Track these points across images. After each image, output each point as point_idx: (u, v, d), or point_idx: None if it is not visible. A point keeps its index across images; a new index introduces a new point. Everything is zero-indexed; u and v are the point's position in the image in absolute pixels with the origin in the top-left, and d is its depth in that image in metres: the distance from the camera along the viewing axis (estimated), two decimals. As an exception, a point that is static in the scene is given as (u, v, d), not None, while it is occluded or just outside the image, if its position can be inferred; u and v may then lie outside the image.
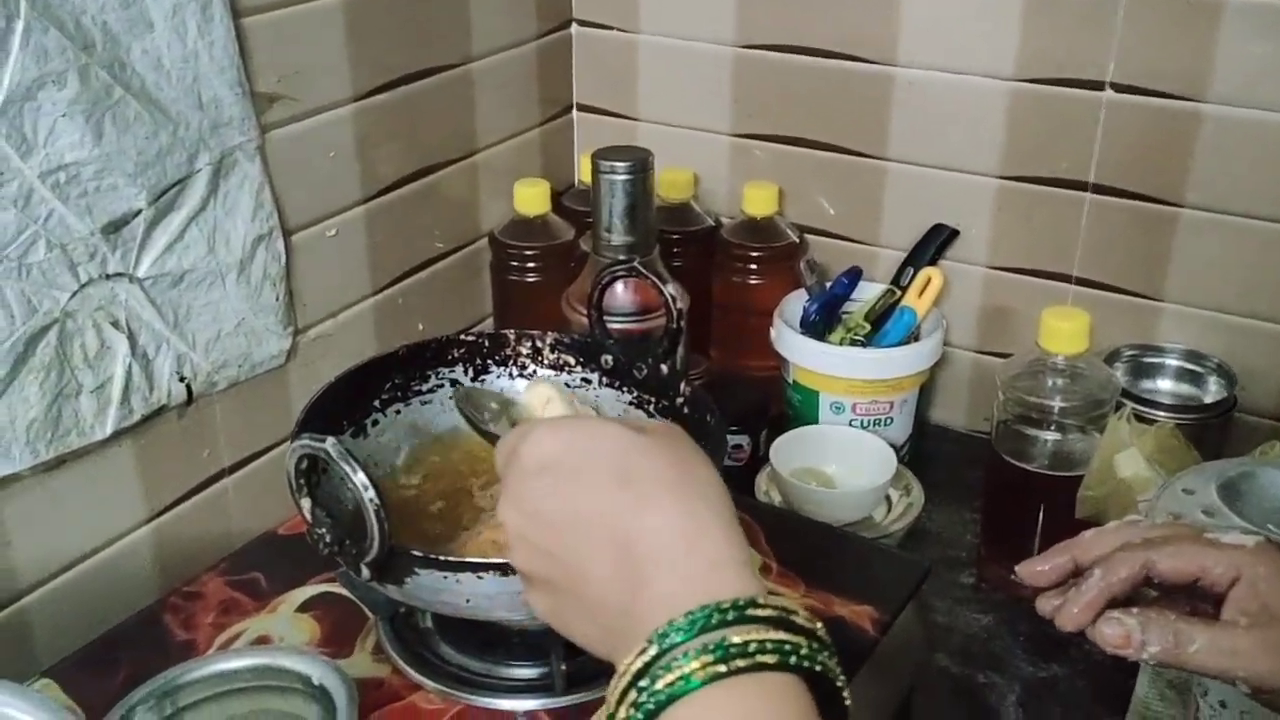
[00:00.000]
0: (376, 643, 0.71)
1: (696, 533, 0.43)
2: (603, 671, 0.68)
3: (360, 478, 0.57)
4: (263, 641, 0.71)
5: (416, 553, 0.60)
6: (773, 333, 1.02)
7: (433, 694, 0.68)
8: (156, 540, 0.85)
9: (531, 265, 1.09)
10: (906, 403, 0.99)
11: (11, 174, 0.70)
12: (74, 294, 0.75)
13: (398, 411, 0.79)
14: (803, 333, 1.01)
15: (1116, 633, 0.51)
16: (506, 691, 0.68)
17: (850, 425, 0.98)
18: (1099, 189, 0.98)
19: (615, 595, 0.44)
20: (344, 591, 0.75)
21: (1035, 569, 0.55)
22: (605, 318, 0.84)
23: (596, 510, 0.45)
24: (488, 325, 1.15)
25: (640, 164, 0.90)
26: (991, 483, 0.90)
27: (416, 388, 0.80)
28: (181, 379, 0.84)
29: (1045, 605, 0.55)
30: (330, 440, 0.58)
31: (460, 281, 1.11)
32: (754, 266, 1.08)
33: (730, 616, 0.40)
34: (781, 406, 1.03)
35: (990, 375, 1.05)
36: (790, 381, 1.02)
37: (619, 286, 0.91)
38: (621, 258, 0.89)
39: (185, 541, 0.87)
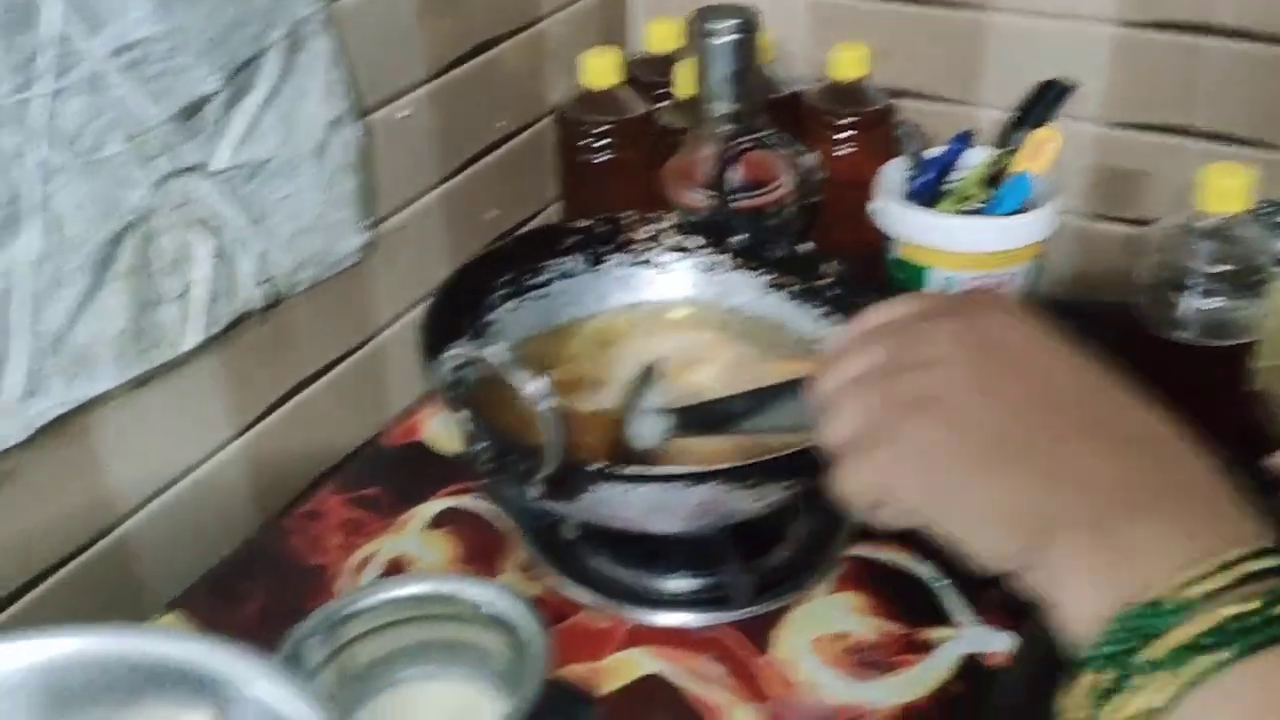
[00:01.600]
0: (525, 559, 0.66)
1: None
2: (780, 581, 0.64)
3: (535, 387, 0.51)
4: (399, 563, 0.66)
5: (596, 467, 0.54)
6: (872, 206, 0.95)
7: (597, 612, 0.62)
8: (248, 456, 0.79)
9: (602, 143, 1.01)
10: (1022, 276, 0.93)
11: (79, 55, 0.61)
12: (151, 191, 0.67)
13: (512, 309, 0.72)
14: (908, 203, 0.94)
15: None
16: (678, 606, 0.63)
17: (964, 301, 0.92)
18: (1230, 33, 0.90)
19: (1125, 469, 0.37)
20: (472, 505, 0.69)
21: None
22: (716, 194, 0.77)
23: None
24: (555, 210, 1.07)
25: (746, 23, 0.81)
26: (1138, 358, 0.84)
27: (530, 281, 0.73)
28: (263, 281, 0.77)
29: None
30: (499, 346, 0.51)
31: (527, 164, 1.03)
32: (843, 135, 1.01)
33: None
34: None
35: (1101, 241, 0.99)
36: (894, 258, 0.95)
37: (724, 161, 0.83)
38: (732, 127, 0.81)
39: (276, 455, 0.81)
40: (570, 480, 0.54)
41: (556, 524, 0.67)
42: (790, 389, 0.49)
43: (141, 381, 0.70)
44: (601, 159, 1.01)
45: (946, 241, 0.91)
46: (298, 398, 0.83)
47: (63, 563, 0.68)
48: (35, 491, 0.65)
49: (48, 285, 0.62)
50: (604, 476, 0.54)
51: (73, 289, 0.64)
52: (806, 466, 0.57)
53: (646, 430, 0.57)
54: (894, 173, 0.97)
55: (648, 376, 0.59)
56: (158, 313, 0.69)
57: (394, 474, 0.73)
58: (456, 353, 0.52)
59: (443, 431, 0.78)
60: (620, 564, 0.65)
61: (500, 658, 0.55)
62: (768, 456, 0.55)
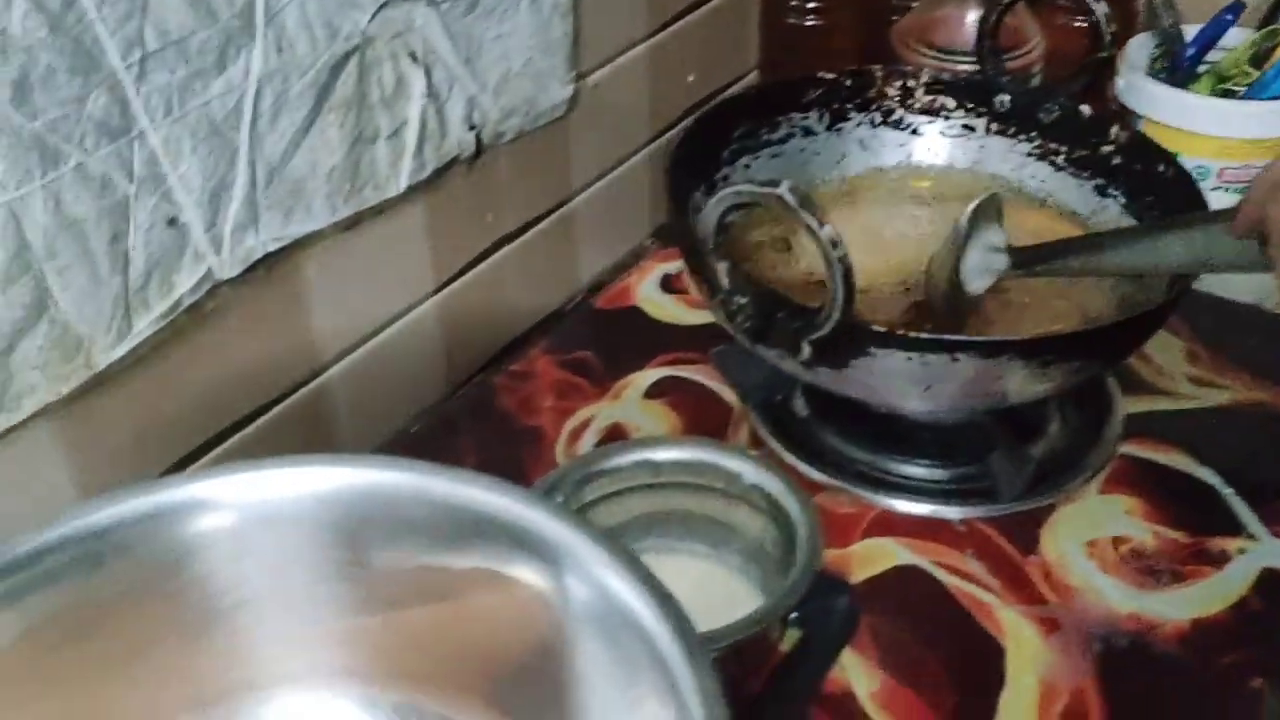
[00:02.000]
0: (752, 434, 0.61)
1: None
2: (1044, 477, 0.58)
3: (828, 231, 0.45)
4: (617, 431, 0.61)
5: (878, 329, 0.48)
6: (1119, 82, 0.86)
7: (837, 494, 0.57)
8: (443, 313, 0.75)
9: (813, 5, 0.93)
10: (1282, 168, 0.83)
11: None
12: (373, 15, 0.62)
13: (747, 166, 0.66)
14: (1160, 82, 0.85)
15: None
16: (928, 495, 0.57)
17: (1214, 193, 0.83)
18: None
19: None
20: (692, 375, 0.64)
21: None
22: (954, 57, 0.69)
23: None
24: (753, 79, 1.00)
25: None
26: None
27: (767, 137, 0.66)
28: (471, 127, 0.72)
29: None
30: (785, 184, 0.45)
31: (728, 26, 0.96)
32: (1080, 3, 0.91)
33: None
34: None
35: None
36: (1136, 142, 0.86)
37: (968, 17, 0.76)
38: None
39: (468, 315, 0.77)
40: (848, 343, 0.48)
41: (788, 399, 0.62)
42: (1161, 228, 0.44)
43: (349, 224, 0.66)
44: (810, 22, 0.94)
45: (1202, 124, 0.83)
46: (494, 257, 0.78)
47: (265, 408, 0.65)
48: (242, 332, 0.62)
49: (270, 109, 0.58)
50: (890, 341, 0.48)
51: (293, 116, 0.59)
52: (1103, 348, 0.51)
53: (980, 269, 0.51)
54: (1141, 48, 0.88)
55: (984, 211, 0.53)
56: (371, 150, 0.65)
57: (606, 339, 0.68)
58: (734, 191, 0.46)
59: (657, 296, 0.73)
60: (858, 445, 0.60)
61: (751, 535, 0.50)
62: (1067, 330, 0.49)
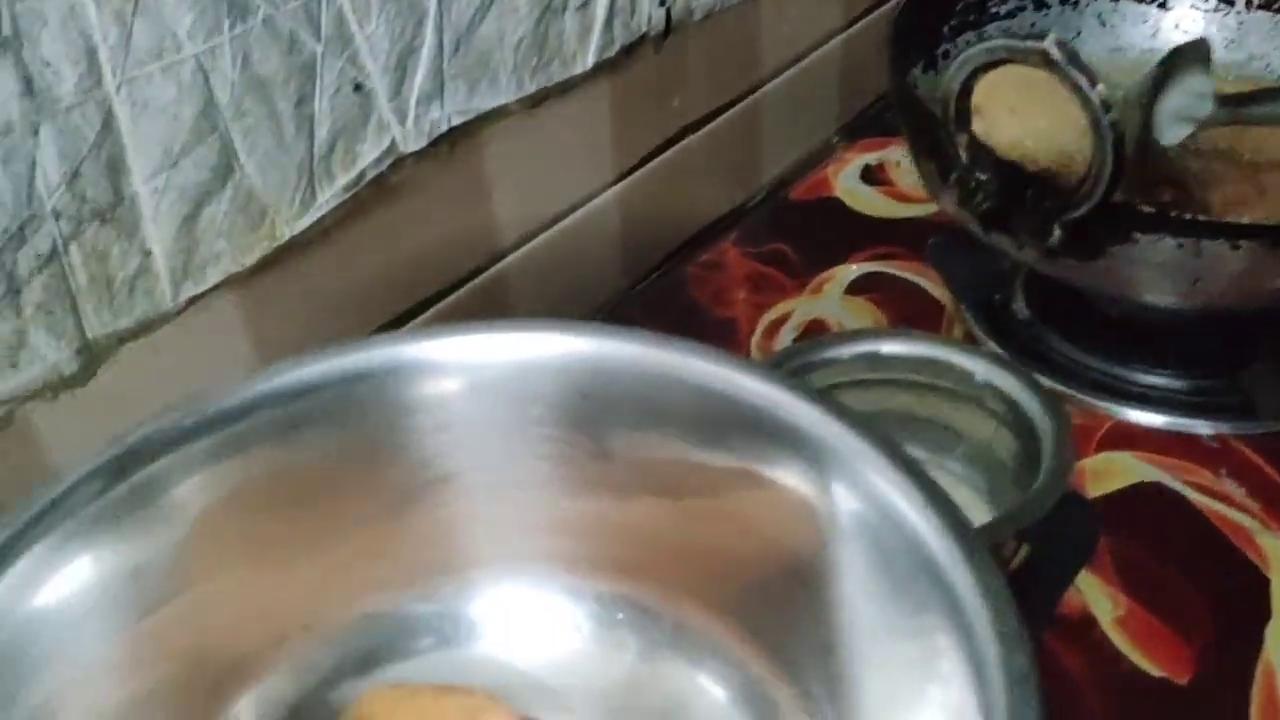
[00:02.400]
0: (966, 335, 0.56)
1: None
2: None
3: (1100, 91, 0.39)
4: (818, 325, 0.57)
5: (1148, 209, 0.42)
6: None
7: (1070, 405, 0.52)
8: (622, 204, 0.71)
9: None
10: None
11: None
12: None
13: (969, 42, 0.59)
14: None
15: None
16: (1171, 407, 0.51)
17: None
18: None
19: None
20: (898, 271, 0.59)
21: None
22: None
23: None
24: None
25: None
26: None
27: (994, 10, 0.60)
28: (662, 2, 0.67)
29: None
30: (1051, 37, 0.39)
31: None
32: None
33: None
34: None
35: None
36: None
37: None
38: None
39: (647, 207, 0.73)
40: (1109, 226, 0.43)
41: (1008, 299, 0.56)
42: None
43: (534, 101, 0.62)
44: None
45: None
46: (677, 146, 0.74)
47: (444, 293, 0.62)
48: (424, 211, 0.59)
49: (459, -32, 0.55)
50: (1163, 223, 0.42)
51: (482, -23, 0.56)
52: None
53: (1177, 116, 0.44)
54: None
55: (1188, 54, 0.46)
56: (560, 22, 0.61)
57: (803, 231, 0.64)
58: (987, 48, 0.41)
59: (858, 188, 0.68)
60: (1089, 351, 0.54)
61: (979, 440, 0.45)
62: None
